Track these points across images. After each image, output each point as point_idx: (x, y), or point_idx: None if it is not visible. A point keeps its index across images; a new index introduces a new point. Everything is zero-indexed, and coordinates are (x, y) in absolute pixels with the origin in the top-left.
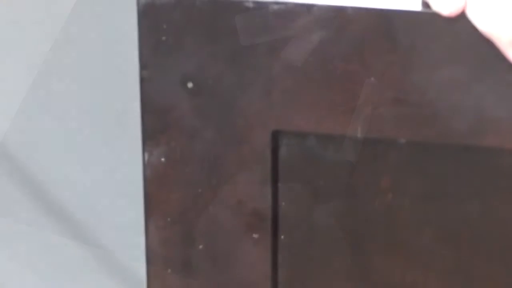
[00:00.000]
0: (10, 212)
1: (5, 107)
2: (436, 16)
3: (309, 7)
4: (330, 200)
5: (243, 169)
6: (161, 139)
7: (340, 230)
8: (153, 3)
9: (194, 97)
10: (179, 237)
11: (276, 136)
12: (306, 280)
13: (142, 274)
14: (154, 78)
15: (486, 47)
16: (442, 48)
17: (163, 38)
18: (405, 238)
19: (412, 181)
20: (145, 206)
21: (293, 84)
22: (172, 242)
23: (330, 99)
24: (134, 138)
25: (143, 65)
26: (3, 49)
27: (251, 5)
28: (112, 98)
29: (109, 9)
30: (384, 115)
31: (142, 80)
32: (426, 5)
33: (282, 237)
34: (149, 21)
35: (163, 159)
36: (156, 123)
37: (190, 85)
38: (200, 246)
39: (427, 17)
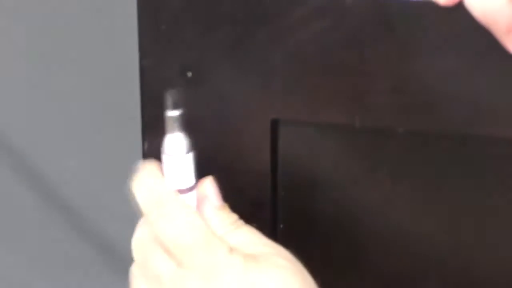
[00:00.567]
0: (13, 208)
1: (7, 104)
2: (434, 5)
3: None
4: (329, 190)
5: (242, 158)
6: (160, 129)
7: (339, 219)
8: None
9: (194, 86)
10: None
11: (275, 125)
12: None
13: None
14: (153, 67)
15: (484, 36)
16: (439, 37)
17: (163, 27)
18: (404, 227)
19: (411, 170)
20: None
21: (292, 73)
22: None
23: (329, 88)
24: (138, 131)
25: (142, 54)
26: (4, 48)
27: None
28: (115, 93)
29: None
30: (383, 104)
31: (142, 69)
32: None
33: (281, 226)
34: (148, 10)
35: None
36: (155, 113)
37: (189, 74)
38: None
39: (424, 6)
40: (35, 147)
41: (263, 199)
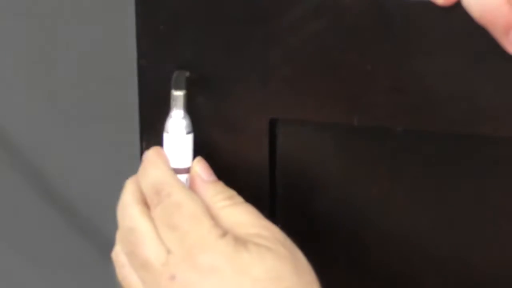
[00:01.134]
0: (12, 207)
1: (6, 103)
2: (432, 4)
3: None
4: (327, 189)
5: (240, 157)
6: (158, 128)
7: (337, 218)
8: None
9: (192, 86)
10: None
11: (273, 124)
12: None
13: None
14: (152, 66)
15: (482, 36)
16: (438, 36)
17: (161, 26)
18: (402, 225)
19: (409, 169)
20: None
21: (290, 72)
22: None
23: (327, 87)
24: (137, 131)
25: (141, 54)
26: (3, 48)
27: None
28: (116, 92)
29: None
30: (381, 103)
31: (140, 69)
32: None
33: (280, 225)
34: (146, 10)
35: None
36: (153, 112)
37: (187, 73)
38: None
39: (423, 6)
40: (34, 146)
41: (261, 198)
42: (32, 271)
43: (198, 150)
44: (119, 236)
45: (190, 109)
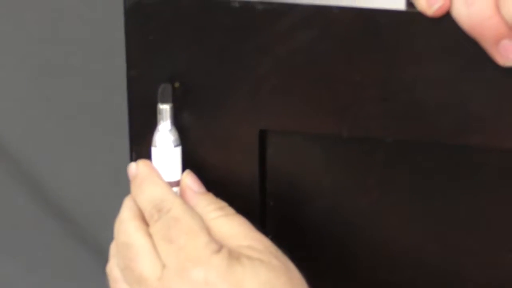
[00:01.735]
0: (10, 214)
1: (5, 107)
2: (421, 15)
3: (294, 6)
4: (317, 199)
5: (230, 168)
6: (148, 138)
7: (327, 229)
8: (140, 2)
9: (181, 96)
10: None
11: (263, 135)
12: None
13: None
14: (141, 77)
15: (471, 46)
16: (427, 47)
17: (150, 37)
18: (391, 235)
19: (399, 179)
20: None
21: (279, 83)
22: None
23: (317, 98)
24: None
25: (130, 65)
26: (3, 50)
27: (237, 4)
28: (114, 98)
29: (110, 9)
30: (370, 113)
31: (130, 79)
32: (410, 4)
33: (270, 236)
34: (136, 20)
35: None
36: (143, 122)
37: (177, 84)
38: None
39: (412, 16)
40: (31, 154)
41: (251, 209)
42: (28, 279)
43: (188, 162)
44: (115, 251)
45: (179, 121)
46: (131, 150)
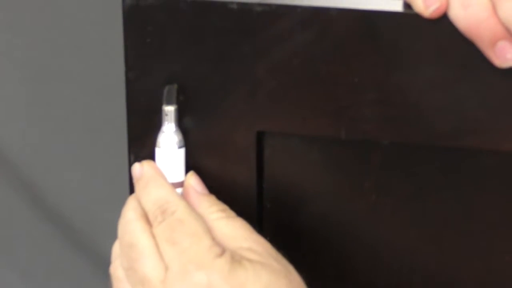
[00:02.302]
0: (8, 218)
1: (2, 111)
2: (418, 17)
3: (293, 8)
4: (314, 202)
5: (227, 170)
6: (146, 141)
7: (324, 231)
8: (138, 5)
9: (179, 99)
10: None
11: (260, 137)
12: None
13: None
14: (139, 80)
15: (468, 48)
16: (424, 49)
17: (148, 40)
18: (388, 238)
19: (396, 182)
20: None
21: (277, 85)
22: None
23: (314, 100)
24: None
25: (128, 67)
26: (1, 53)
27: (235, 6)
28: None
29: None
30: (367, 116)
31: (128, 82)
32: (408, 6)
33: (268, 239)
34: (134, 23)
35: None
36: (141, 125)
37: (175, 86)
38: None
39: (409, 18)
40: (28, 157)
41: (248, 211)
42: (26, 284)
43: (186, 163)
44: (119, 251)
45: (177, 123)
46: (129, 152)
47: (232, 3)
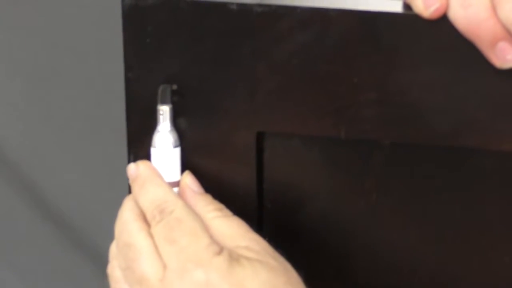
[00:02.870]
0: (8, 218)
1: (2, 112)
2: (418, 17)
3: (292, 9)
4: (314, 202)
5: (227, 170)
6: (146, 141)
7: (324, 231)
8: (137, 5)
9: (179, 99)
10: None
11: (260, 138)
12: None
13: None
14: (139, 79)
15: (468, 48)
16: (424, 49)
17: (148, 40)
18: (389, 238)
19: (396, 182)
20: None
21: (277, 85)
22: None
23: (314, 100)
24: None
25: (128, 67)
26: (1, 53)
27: (234, 7)
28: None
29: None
30: (368, 116)
31: (127, 82)
32: (407, 6)
33: (267, 238)
34: (133, 23)
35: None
36: (141, 125)
37: (174, 87)
38: None
39: (409, 19)
40: (28, 157)
41: (248, 211)
42: (25, 284)
43: (185, 164)
44: (116, 252)
45: (176, 123)
46: (129, 152)
47: (231, 3)
